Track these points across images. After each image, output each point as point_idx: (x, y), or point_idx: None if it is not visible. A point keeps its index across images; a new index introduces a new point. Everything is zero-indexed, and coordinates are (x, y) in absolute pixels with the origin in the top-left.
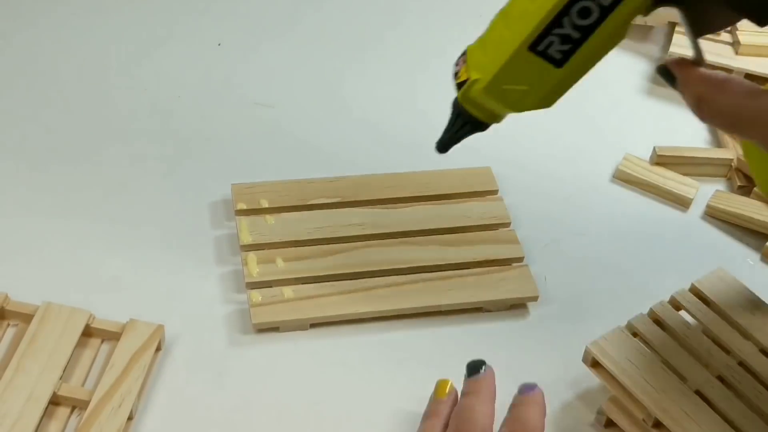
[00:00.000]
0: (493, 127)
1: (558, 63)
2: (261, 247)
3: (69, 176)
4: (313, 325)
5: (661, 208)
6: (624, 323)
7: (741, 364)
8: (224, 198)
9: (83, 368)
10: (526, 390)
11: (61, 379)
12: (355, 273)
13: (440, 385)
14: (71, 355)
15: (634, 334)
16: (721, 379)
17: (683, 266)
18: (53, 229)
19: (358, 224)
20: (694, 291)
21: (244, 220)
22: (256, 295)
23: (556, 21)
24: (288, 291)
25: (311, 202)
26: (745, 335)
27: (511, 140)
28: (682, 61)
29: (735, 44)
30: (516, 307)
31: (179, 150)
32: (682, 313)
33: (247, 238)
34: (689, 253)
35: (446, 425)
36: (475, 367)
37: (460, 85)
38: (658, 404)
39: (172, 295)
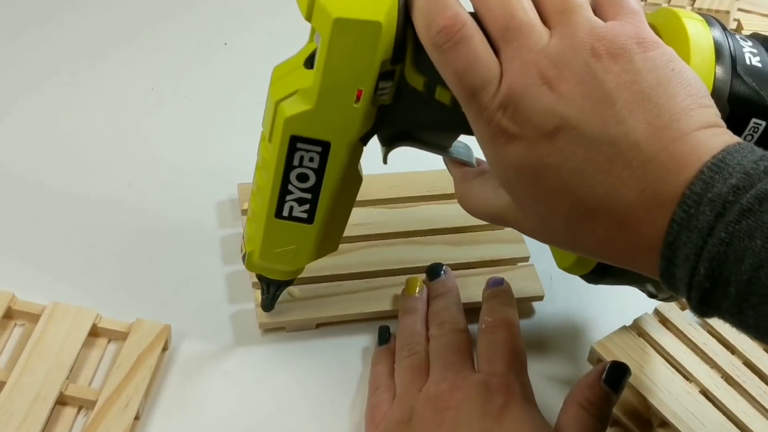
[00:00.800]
0: None
1: (308, 220)
2: None
3: (75, 175)
4: (319, 325)
5: None
6: (629, 323)
7: (746, 363)
8: (231, 198)
9: (90, 368)
10: (495, 284)
11: (67, 378)
12: (361, 273)
13: (411, 282)
14: (78, 355)
15: (640, 334)
16: (726, 378)
17: None
18: (60, 229)
19: (363, 224)
20: None
21: None
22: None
23: (283, 191)
24: (294, 291)
25: None
26: None
27: None
28: (450, 160)
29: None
30: (521, 306)
31: (186, 149)
32: (688, 312)
33: None
34: None
35: (424, 320)
36: (436, 271)
37: (244, 258)
38: (664, 404)
39: (178, 294)
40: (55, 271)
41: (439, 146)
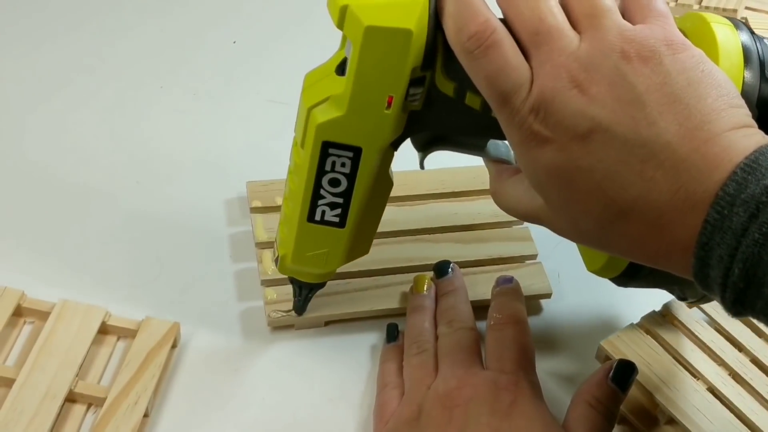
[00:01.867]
0: None
1: (340, 224)
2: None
3: (83, 174)
4: (328, 323)
5: None
6: (637, 320)
7: (754, 361)
8: (239, 195)
9: (99, 366)
10: (505, 282)
11: (77, 376)
12: (369, 270)
13: (419, 280)
14: (87, 353)
15: (647, 332)
16: (733, 376)
17: None
18: (69, 227)
19: None
20: None
21: (260, 218)
22: (271, 293)
23: (315, 195)
24: None
25: None
26: (758, 332)
27: None
28: (488, 159)
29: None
30: (529, 303)
31: (194, 148)
32: (695, 310)
33: (262, 236)
34: None
35: (433, 318)
36: (444, 269)
37: (277, 261)
38: (671, 401)
39: (187, 292)
40: (65, 268)
41: (475, 147)
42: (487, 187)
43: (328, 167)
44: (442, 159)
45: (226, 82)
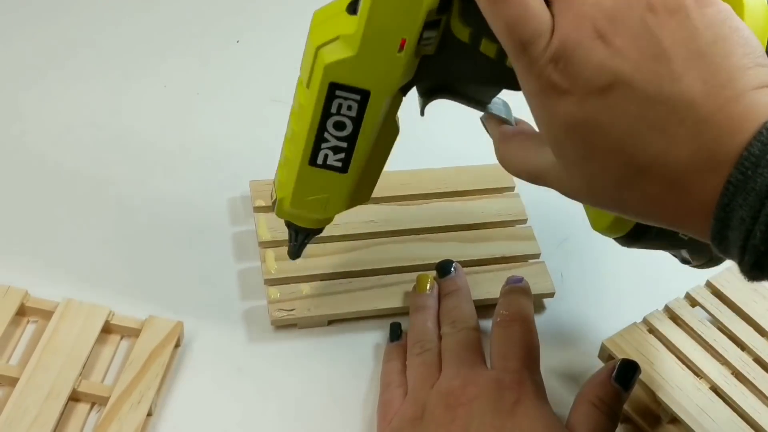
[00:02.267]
0: None
1: (342, 169)
2: (279, 244)
3: (87, 173)
4: (331, 322)
5: None
6: (640, 319)
7: (756, 360)
8: (243, 195)
9: (103, 365)
10: (515, 281)
11: (80, 375)
12: (372, 270)
13: (422, 279)
14: (91, 352)
15: (650, 331)
16: (736, 375)
17: None
18: (72, 227)
19: (375, 221)
20: (710, 287)
21: (263, 217)
22: (275, 292)
23: (319, 138)
24: (306, 287)
25: None
26: (761, 331)
27: None
28: (489, 117)
29: None
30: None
31: (198, 147)
32: (698, 309)
33: (265, 235)
34: None
35: (436, 317)
36: (447, 268)
37: (275, 204)
38: (674, 400)
39: (191, 291)
40: (68, 268)
41: (479, 101)
42: (491, 186)
43: (334, 110)
44: (444, 158)
45: (229, 81)
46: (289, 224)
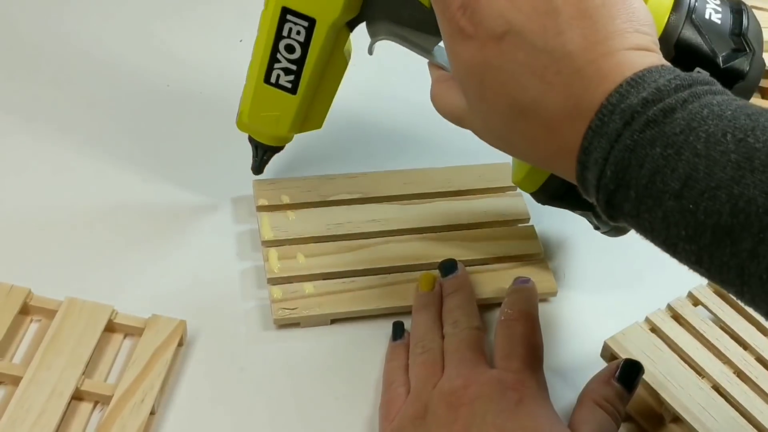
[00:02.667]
0: None
1: (292, 90)
2: (282, 243)
3: (90, 172)
4: (333, 321)
5: None
6: (642, 319)
7: (759, 359)
8: (246, 194)
9: (106, 364)
10: (521, 282)
11: (83, 374)
12: (375, 269)
13: (424, 278)
14: (94, 351)
15: (652, 330)
16: (738, 374)
17: None
18: (76, 226)
19: (378, 220)
20: (713, 286)
21: (266, 216)
22: (278, 291)
23: (272, 58)
24: (309, 287)
25: (332, 198)
26: (763, 331)
27: None
28: (432, 64)
29: None
30: None
31: (200, 146)
32: (700, 308)
33: (268, 234)
34: None
35: (438, 316)
36: (450, 267)
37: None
38: (676, 399)
39: (194, 290)
40: (71, 267)
41: (422, 48)
42: (493, 185)
43: (285, 33)
44: (446, 158)
45: (232, 80)
46: (251, 140)
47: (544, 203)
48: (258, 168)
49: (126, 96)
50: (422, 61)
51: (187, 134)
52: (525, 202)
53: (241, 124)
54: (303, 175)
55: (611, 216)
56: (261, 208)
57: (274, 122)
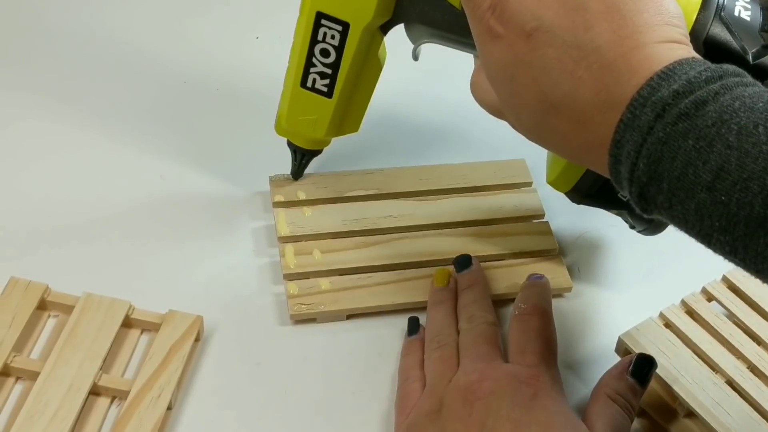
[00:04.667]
0: None
1: (328, 94)
2: (298, 239)
3: (108, 168)
4: (350, 316)
5: None
6: (656, 314)
7: None
8: (262, 190)
9: (123, 359)
10: (535, 278)
11: (101, 369)
12: (391, 264)
13: (440, 273)
14: (111, 346)
15: (666, 325)
16: (752, 369)
17: (715, 257)
18: (93, 221)
19: (393, 216)
20: (726, 282)
21: (282, 212)
22: (293, 287)
23: (308, 63)
24: (325, 282)
25: (347, 194)
26: None
27: None
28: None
29: None
30: None
31: (218, 142)
32: (714, 304)
33: (284, 230)
34: None
35: (454, 312)
36: (465, 262)
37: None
38: (690, 394)
39: (210, 286)
40: (89, 262)
41: (465, 44)
42: (508, 181)
43: (320, 37)
44: (461, 154)
45: (248, 77)
46: (290, 144)
47: (578, 202)
48: (297, 172)
49: (145, 92)
50: (438, 59)
51: (203, 131)
52: (540, 198)
53: (279, 129)
54: (319, 171)
55: (644, 209)
56: (277, 204)
57: (312, 126)
